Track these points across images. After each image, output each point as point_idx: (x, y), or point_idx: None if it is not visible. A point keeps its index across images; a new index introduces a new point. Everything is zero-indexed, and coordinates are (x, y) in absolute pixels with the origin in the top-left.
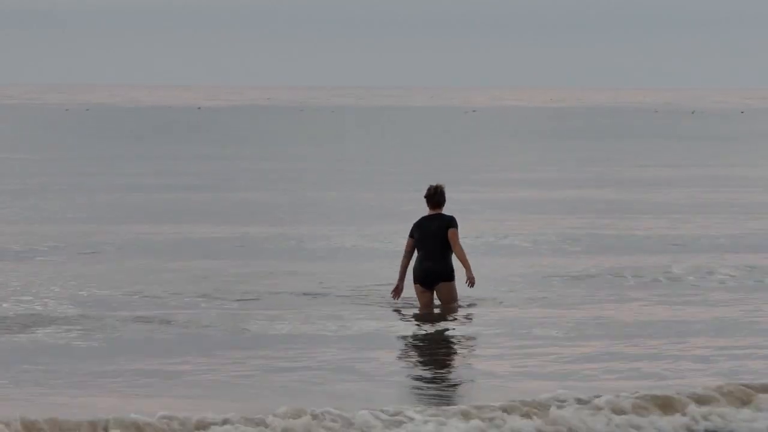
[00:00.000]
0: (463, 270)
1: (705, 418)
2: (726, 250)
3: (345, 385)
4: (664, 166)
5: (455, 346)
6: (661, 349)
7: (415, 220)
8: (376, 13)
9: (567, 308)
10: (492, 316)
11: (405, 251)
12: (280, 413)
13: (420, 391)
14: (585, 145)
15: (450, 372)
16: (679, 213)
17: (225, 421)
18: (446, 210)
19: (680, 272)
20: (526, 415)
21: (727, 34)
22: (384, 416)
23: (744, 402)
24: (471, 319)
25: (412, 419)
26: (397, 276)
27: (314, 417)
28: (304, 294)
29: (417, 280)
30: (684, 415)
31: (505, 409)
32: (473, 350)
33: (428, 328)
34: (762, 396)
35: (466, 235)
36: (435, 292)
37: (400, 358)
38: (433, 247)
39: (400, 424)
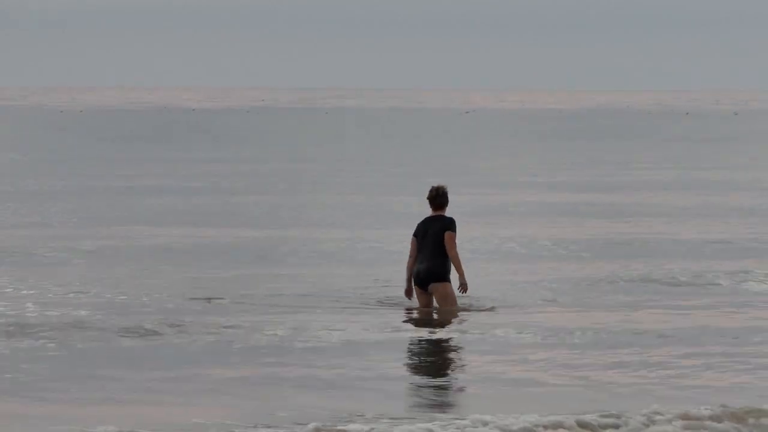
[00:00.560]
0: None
1: None
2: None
3: (341, 393)
4: (644, 169)
5: (446, 353)
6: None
7: (418, 221)
8: (376, 13)
9: (575, 312)
10: (490, 321)
11: (410, 252)
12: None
13: (419, 399)
14: (571, 146)
15: (439, 379)
16: (669, 216)
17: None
18: (449, 212)
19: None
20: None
21: (727, 35)
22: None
23: None
24: (464, 324)
25: None
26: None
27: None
28: (302, 296)
29: (414, 281)
30: None
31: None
32: (465, 357)
33: (412, 333)
34: None
35: (464, 238)
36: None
37: (390, 363)
38: (431, 248)
39: None
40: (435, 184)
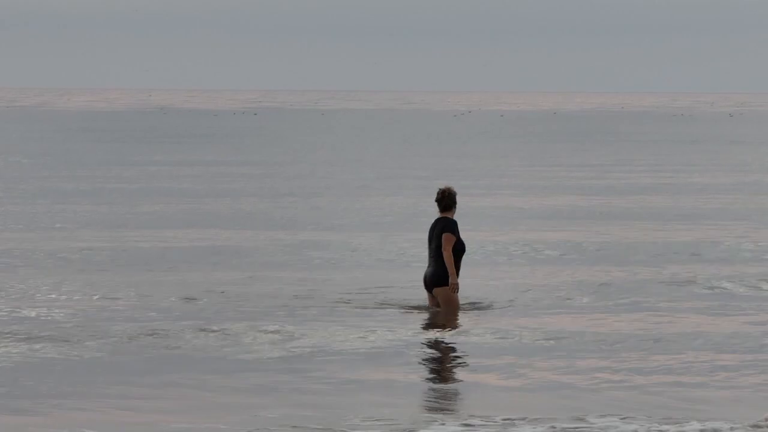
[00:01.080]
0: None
1: None
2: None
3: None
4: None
5: (447, 356)
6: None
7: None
8: (373, 17)
9: (571, 317)
10: (489, 325)
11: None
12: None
13: (422, 402)
14: (564, 148)
15: (437, 383)
16: (657, 220)
17: None
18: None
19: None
20: None
21: (727, 37)
22: None
23: None
24: (465, 326)
25: None
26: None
27: None
28: (298, 297)
29: (424, 284)
30: None
31: None
32: (463, 361)
33: (412, 337)
34: None
35: (470, 242)
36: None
37: (390, 367)
38: (434, 251)
39: None
40: (442, 186)
